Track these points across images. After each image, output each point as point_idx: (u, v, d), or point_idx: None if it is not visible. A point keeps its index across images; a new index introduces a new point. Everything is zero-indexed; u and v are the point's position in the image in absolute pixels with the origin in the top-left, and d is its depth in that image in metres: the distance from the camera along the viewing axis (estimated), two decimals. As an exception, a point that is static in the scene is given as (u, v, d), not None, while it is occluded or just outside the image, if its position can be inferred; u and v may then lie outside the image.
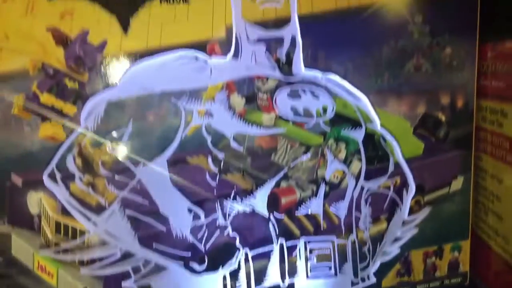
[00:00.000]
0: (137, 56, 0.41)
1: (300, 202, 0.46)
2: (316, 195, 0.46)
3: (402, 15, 0.46)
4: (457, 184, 0.52)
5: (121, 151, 0.41)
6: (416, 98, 0.49)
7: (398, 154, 0.47)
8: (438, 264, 0.53)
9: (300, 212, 0.46)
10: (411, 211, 0.49)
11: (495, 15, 0.49)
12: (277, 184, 0.45)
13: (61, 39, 0.40)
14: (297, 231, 0.47)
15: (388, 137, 0.46)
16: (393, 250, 0.49)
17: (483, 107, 0.52)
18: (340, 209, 0.46)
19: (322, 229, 0.47)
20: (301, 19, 0.43)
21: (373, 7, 0.45)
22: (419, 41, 0.47)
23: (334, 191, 0.47)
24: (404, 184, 0.48)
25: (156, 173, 0.40)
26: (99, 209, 0.41)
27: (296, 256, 0.46)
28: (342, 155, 0.46)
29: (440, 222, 0.51)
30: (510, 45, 0.47)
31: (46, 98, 0.40)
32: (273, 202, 0.45)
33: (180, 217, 0.42)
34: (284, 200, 0.45)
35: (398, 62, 0.47)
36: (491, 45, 0.49)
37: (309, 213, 0.46)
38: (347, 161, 0.47)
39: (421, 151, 0.50)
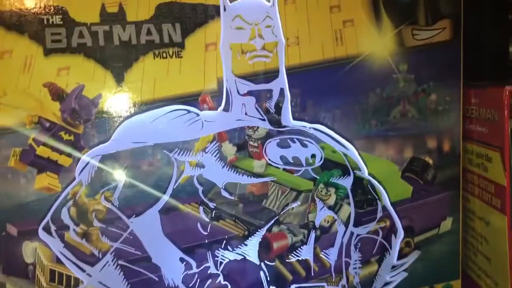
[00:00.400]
0: (131, 109, 0.42)
1: (292, 246, 0.47)
2: (307, 240, 0.47)
3: (387, 64, 0.47)
4: (446, 225, 0.52)
5: (115, 202, 0.42)
6: (403, 142, 0.50)
7: (385, 200, 0.48)
8: (430, 304, 0.53)
9: (292, 259, 0.46)
10: (401, 252, 0.50)
11: (478, 63, 0.51)
12: (269, 229, 0.46)
13: (57, 94, 0.41)
14: (289, 275, 0.47)
15: (376, 183, 0.47)
16: (384, 294, 0.50)
17: (469, 150, 0.53)
18: (330, 255, 0.47)
19: (313, 272, 0.48)
20: (290, 69, 0.45)
21: (359, 58, 0.46)
22: (404, 88, 0.49)
23: (325, 235, 0.48)
24: (393, 228, 0.49)
25: (148, 224, 0.41)
26: (93, 259, 0.42)
27: (287, 302, 0.47)
28: (332, 199, 0.47)
29: (431, 262, 0.52)
30: (492, 92, 0.48)
31: (42, 150, 0.41)
32: (264, 247, 0.46)
33: (172, 267, 0.42)
34: (275, 245, 0.46)
35: (385, 109, 0.48)
36: (474, 91, 0.51)
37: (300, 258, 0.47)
38: (337, 206, 0.48)
39: (409, 194, 0.51)
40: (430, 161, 0.51)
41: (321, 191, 0.47)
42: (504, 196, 0.48)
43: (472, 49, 0.50)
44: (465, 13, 0.49)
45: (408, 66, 0.48)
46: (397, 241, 0.49)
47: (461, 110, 0.50)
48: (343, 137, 0.46)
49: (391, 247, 0.49)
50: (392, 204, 0.49)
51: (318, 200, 0.47)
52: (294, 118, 0.45)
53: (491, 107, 0.48)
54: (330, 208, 0.47)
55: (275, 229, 0.46)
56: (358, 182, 0.48)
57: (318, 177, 0.47)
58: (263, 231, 0.45)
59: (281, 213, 0.46)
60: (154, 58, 0.42)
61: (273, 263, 0.46)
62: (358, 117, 0.48)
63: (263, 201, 0.47)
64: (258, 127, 0.45)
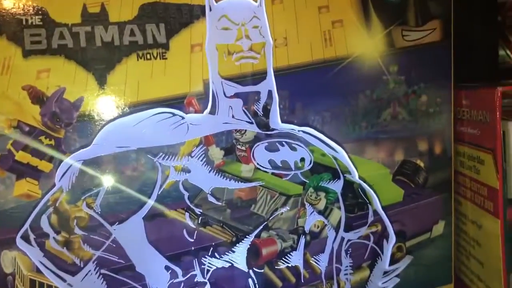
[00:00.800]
0: (113, 113, 0.41)
1: (281, 252, 0.46)
2: (297, 246, 0.45)
3: (377, 66, 0.47)
4: (438, 229, 0.52)
5: (97, 209, 0.40)
6: (394, 145, 0.49)
7: (377, 204, 0.47)
8: (423, 309, 0.52)
9: (281, 266, 0.45)
10: (393, 257, 0.49)
11: (468, 64, 0.50)
12: (257, 235, 0.45)
13: (37, 97, 0.40)
14: (278, 282, 0.46)
15: (367, 187, 0.46)
16: (376, 301, 0.49)
17: (461, 153, 0.52)
18: (321, 261, 0.46)
19: (303, 279, 0.47)
20: (278, 71, 0.44)
21: (349, 59, 0.46)
22: (395, 90, 0.48)
23: (315, 240, 0.47)
24: (384, 233, 0.48)
25: (132, 232, 0.40)
26: (74, 268, 0.40)
27: (277, 310, 0.46)
28: (322, 204, 0.46)
29: (423, 267, 0.51)
30: (483, 93, 0.48)
31: (21, 155, 0.40)
32: (253, 254, 0.45)
33: (157, 275, 0.41)
34: (264, 251, 0.45)
35: (375, 111, 0.47)
36: (465, 92, 0.50)
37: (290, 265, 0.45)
38: (327, 210, 0.47)
39: (401, 197, 0.50)
40: (422, 164, 0.50)
41: (310, 196, 0.46)
42: (496, 199, 0.47)
43: (462, 50, 0.49)
44: (455, 13, 0.49)
45: (398, 68, 0.47)
46: (389, 246, 0.48)
47: (452, 111, 0.50)
48: (332, 140, 0.46)
49: (382, 252, 0.48)
50: (383, 208, 0.48)
51: (308, 204, 0.46)
52: (282, 121, 0.44)
53: (482, 108, 0.48)
54: (320, 212, 0.46)
55: (264, 235, 0.45)
56: (349, 186, 0.47)
57: (307, 181, 0.46)
58: (251, 237, 0.44)
59: (270, 218, 0.45)
60: (137, 60, 0.41)
61: (262, 270, 0.45)
62: (348, 120, 0.47)
63: (252, 206, 0.46)
64: (245, 130, 0.44)
